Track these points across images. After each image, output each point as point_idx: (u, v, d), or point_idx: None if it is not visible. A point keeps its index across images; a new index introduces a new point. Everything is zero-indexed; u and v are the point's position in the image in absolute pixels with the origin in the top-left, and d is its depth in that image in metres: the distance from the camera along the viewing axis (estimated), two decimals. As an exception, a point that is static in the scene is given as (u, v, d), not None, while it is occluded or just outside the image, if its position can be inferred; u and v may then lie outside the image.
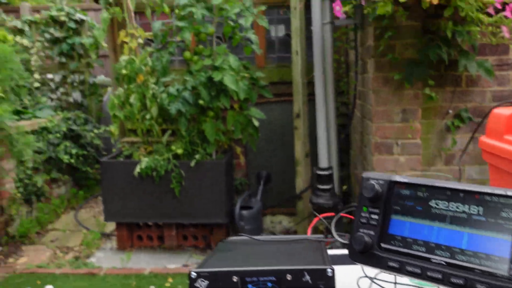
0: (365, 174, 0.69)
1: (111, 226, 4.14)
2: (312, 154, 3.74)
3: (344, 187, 3.88)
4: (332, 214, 1.06)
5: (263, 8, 3.44)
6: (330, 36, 3.14)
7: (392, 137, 2.79)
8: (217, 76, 3.25)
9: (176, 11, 3.49)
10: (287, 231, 4.13)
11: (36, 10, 7.51)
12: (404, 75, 2.61)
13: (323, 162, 3.22)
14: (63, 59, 5.85)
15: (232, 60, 3.32)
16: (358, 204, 0.68)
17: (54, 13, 5.80)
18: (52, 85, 5.86)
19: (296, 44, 3.73)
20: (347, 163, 4.04)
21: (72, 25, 5.76)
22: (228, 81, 3.24)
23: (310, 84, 3.85)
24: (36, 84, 5.63)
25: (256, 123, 3.63)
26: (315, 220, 1.13)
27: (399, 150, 2.83)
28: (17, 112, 4.30)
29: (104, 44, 5.31)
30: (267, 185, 4.21)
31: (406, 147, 2.80)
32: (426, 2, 1.99)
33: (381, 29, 2.63)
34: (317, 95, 3.20)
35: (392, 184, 0.67)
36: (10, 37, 5.26)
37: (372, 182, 0.67)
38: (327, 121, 3.23)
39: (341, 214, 0.97)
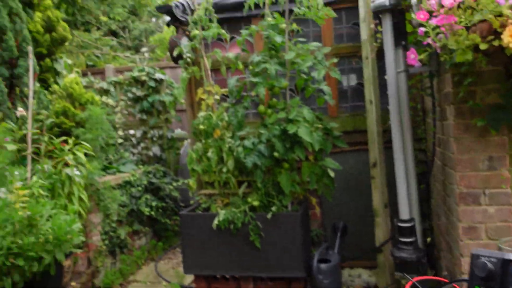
0: (475, 251, 0.65)
1: (189, 278, 4.19)
2: (391, 204, 3.61)
3: (428, 239, 3.68)
4: (425, 277, 1.01)
5: (335, 60, 3.48)
6: (405, 84, 3.09)
7: (479, 186, 2.64)
8: (291, 129, 3.29)
9: (250, 67, 3.63)
10: (367, 285, 3.95)
11: (119, 71, 8.13)
12: (488, 121, 2.50)
13: (404, 213, 3.09)
14: (144, 116, 6.23)
15: (306, 112, 3.36)
16: (470, 282, 0.65)
17: (136, 73, 6.24)
18: (134, 140, 6.23)
19: (370, 93, 3.71)
20: (428, 213, 3.86)
21: (152, 84, 6.16)
22: (303, 133, 3.27)
23: (385, 132, 3.79)
24: (120, 140, 6.01)
25: (332, 174, 3.60)
26: (408, 285, 1.08)
27: (487, 200, 2.66)
28: (103, 168, 4.60)
29: (182, 100, 5.59)
30: (344, 237, 4.10)
31: (495, 197, 2.63)
32: (510, 48, 1.91)
33: (459, 75, 2.55)
34: (394, 143, 3.13)
35: (507, 263, 0.63)
36: (97, 98, 5.70)
37: (484, 260, 0.63)
38: (406, 170, 3.12)
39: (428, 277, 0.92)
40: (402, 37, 2.98)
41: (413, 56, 2.76)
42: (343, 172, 4.07)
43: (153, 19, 17.14)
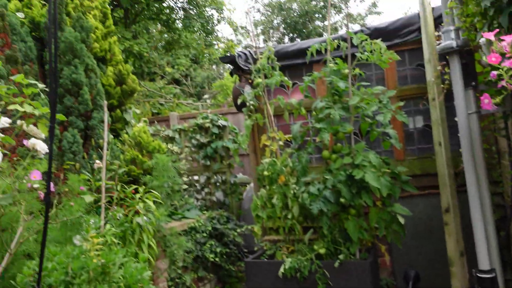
0: None
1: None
2: (467, 253, 3.39)
3: (512, 291, 3.40)
4: None
5: (401, 104, 3.42)
6: (477, 126, 2.96)
7: None
8: (358, 174, 3.22)
9: (314, 113, 3.63)
10: None
11: (182, 118, 8.44)
12: None
13: (483, 263, 2.89)
14: (208, 162, 6.35)
15: (372, 157, 3.29)
16: None
17: (200, 121, 6.43)
18: (198, 186, 6.35)
19: (438, 135, 3.59)
20: (510, 262, 3.58)
21: (216, 130, 6.31)
22: (370, 178, 3.19)
23: (457, 175, 3.62)
24: (185, 186, 6.14)
25: (402, 220, 3.46)
26: None
27: None
28: (170, 214, 4.70)
29: (244, 146, 5.68)
30: (416, 286, 3.88)
31: None
32: None
33: (538, 116, 2.42)
34: (469, 186, 2.97)
35: None
36: (164, 145, 5.91)
37: None
38: (483, 215, 2.94)
39: None
40: (472, 77, 2.89)
41: (487, 101, 2.65)
42: (413, 217, 3.90)
43: (214, 67, 17.82)
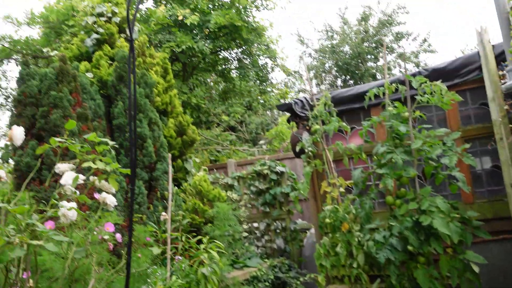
0: None
1: None
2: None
3: None
4: None
5: (467, 146, 3.30)
6: (553, 166, 2.80)
7: None
8: (425, 220, 3.09)
9: (375, 157, 3.58)
10: None
11: (240, 165, 8.55)
12: None
13: None
14: (267, 208, 6.36)
15: (440, 202, 3.16)
16: None
17: (258, 168, 6.49)
18: (258, 233, 6.33)
19: (509, 176, 3.41)
20: None
21: (274, 177, 6.34)
22: (438, 224, 3.06)
23: (534, 219, 3.40)
24: (244, 234, 6.15)
25: (476, 269, 3.25)
26: None
27: None
28: (231, 263, 4.69)
29: (305, 193, 5.64)
30: None
31: None
32: None
33: None
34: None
35: None
36: (223, 193, 5.99)
37: None
38: None
39: None
40: (543, 116, 2.76)
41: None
42: (486, 264, 3.66)
43: (268, 112, 18.09)
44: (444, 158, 3.28)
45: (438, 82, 3.31)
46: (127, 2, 1.63)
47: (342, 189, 3.92)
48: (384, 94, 3.73)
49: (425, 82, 3.37)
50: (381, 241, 3.31)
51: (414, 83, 3.36)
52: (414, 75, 4.03)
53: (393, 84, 3.66)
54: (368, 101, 3.74)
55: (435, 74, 4.03)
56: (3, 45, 13.28)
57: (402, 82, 3.86)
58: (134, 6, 10.56)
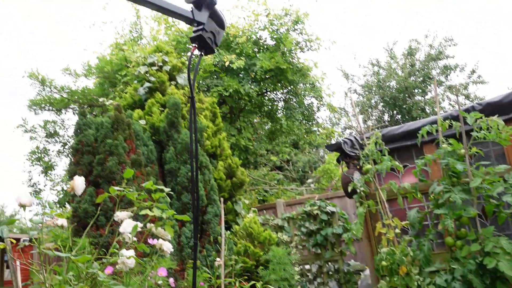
0: None
1: None
2: None
3: None
4: None
5: (531, 182, 3.14)
6: None
7: None
8: (490, 263, 2.93)
9: (430, 197, 3.46)
10: None
11: (289, 205, 8.47)
12: None
13: None
14: (318, 250, 6.22)
15: (505, 243, 2.99)
16: None
17: (308, 208, 6.42)
18: (310, 275, 6.18)
19: None
20: None
21: (324, 217, 6.24)
22: (505, 267, 2.88)
23: None
24: (297, 277, 6.02)
25: (550, 314, 3.02)
26: None
27: None
28: (286, 308, 4.59)
29: (358, 235, 5.51)
30: None
31: None
32: None
33: None
34: None
35: None
36: (274, 235, 5.94)
37: None
38: None
39: None
40: None
41: None
42: None
43: (315, 150, 18.02)
44: (505, 196, 3.13)
45: (495, 118, 3.21)
46: (188, 64, 1.71)
47: (397, 230, 3.80)
48: (437, 131, 3.64)
49: (481, 118, 3.27)
50: (442, 285, 3.15)
51: (469, 120, 3.27)
52: (467, 110, 3.92)
53: (447, 121, 3.58)
54: (421, 138, 3.66)
55: (489, 108, 3.90)
56: (61, 95, 14.13)
57: (455, 118, 3.76)
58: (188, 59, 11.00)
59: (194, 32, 1.67)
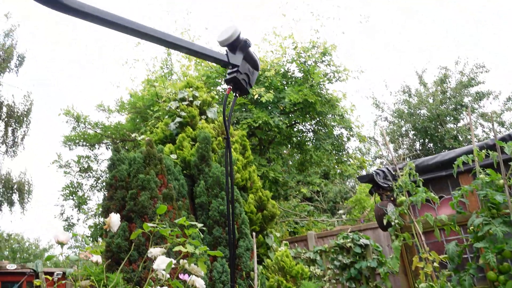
0: None
1: None
2: None
3: None
4: None
5: None
6: None
7: None
8: (537, 299, 2.78)
9: (469, 229, 3.34)
10: None
11: (320, 237, 8.34)
12: None
13: None
14: (353, 284, 6.06)
15: (552, 277, 2.84)
16: None
17: (340, 241, 6.29)
18: (345, 311, 6.00)
19: None
20: None
21: (358, 250, 6.09)
22: (554, 304, 2.73)
23: None
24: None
25: None
26: None
27: None
28: None
29: (396, 269, 5.35)
30: None
31: None
32: None
33: None
34: None
35: None
36: (306, 269, 5.82)
37: None
38: None
39: None
40: None
41: None
42: None
43: (346, 180, 17.78)
44: (551, 228, 3.00)
45: (534, 146, 3.11)
46: (223, 106, 1.74)
47: (436, 264, 3.67)
48: (473, 161, 3.55)
49: (519, 147, 3.18)
50: (488, 324, 3.00)
51: (506, 149, 3.18)
52: (503, 138, 3.82)
53: (483, 151, 3.49)
54: (457, 168, 3.57)
55: (527, 136, 3.79)
56: (95, 131, 14.53)
57: (490, 147, 3.67)
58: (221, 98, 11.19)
59: (228, 74, 1.69)
